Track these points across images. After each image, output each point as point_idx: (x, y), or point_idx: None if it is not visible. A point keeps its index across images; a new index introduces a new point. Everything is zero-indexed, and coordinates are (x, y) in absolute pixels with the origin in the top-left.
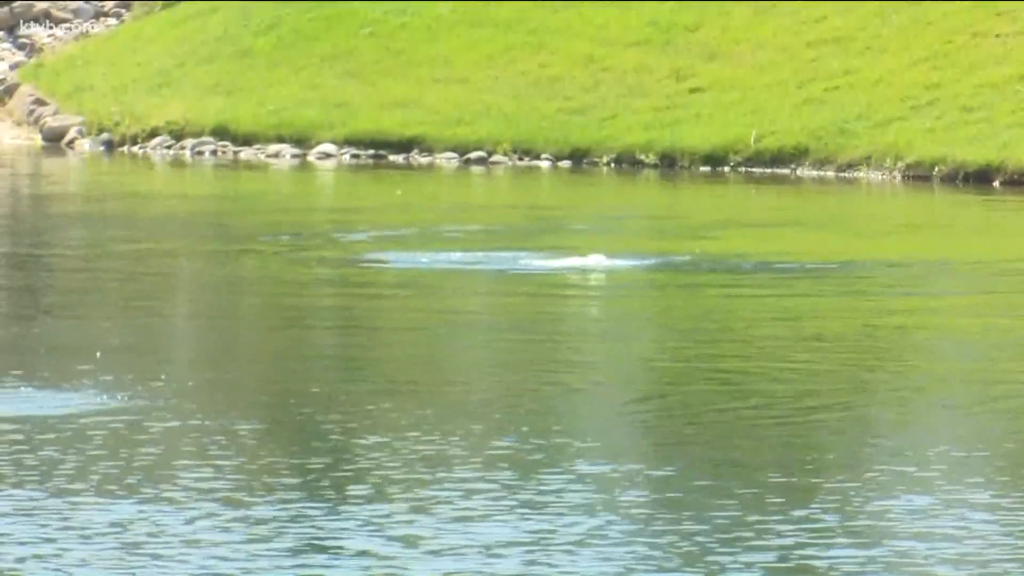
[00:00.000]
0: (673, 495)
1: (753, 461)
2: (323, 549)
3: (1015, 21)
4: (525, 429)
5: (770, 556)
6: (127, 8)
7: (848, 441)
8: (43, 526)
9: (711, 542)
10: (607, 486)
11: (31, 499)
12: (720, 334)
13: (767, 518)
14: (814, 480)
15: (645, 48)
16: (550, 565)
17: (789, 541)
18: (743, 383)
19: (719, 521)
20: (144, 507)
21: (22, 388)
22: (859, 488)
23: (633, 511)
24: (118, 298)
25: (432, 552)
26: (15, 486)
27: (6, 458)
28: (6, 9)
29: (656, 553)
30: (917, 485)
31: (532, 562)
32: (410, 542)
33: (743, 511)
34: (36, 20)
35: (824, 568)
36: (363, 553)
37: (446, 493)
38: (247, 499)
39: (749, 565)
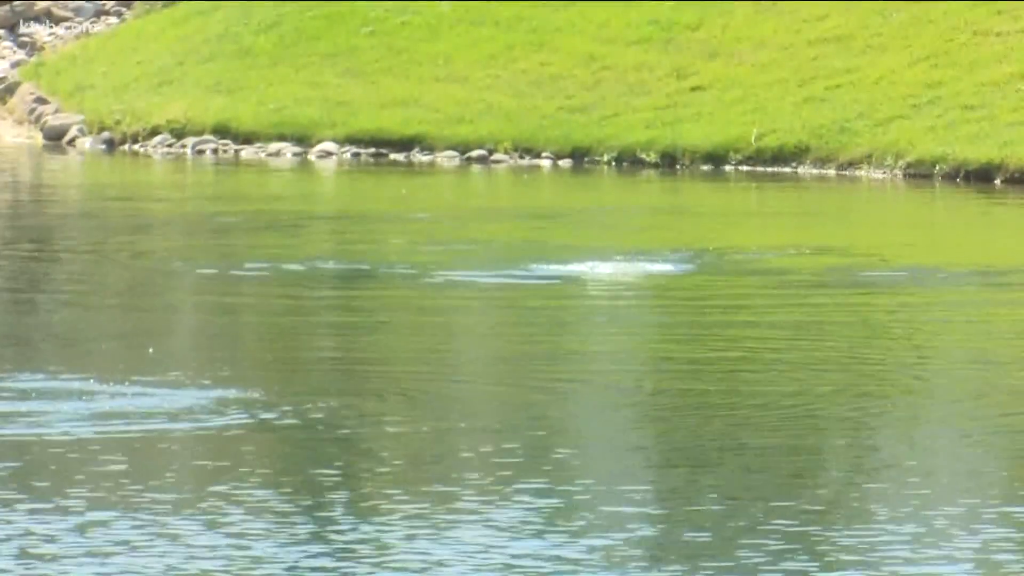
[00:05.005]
0: (697, 506)
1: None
2: (335, 557)
3: (1016, 19)
4: (542, 435)
5: None
6: (128, 7)
7: (868, 453)
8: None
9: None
10: (628, 500)
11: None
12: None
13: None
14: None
15: (646, 46)
16: None
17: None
18: (744, 387)
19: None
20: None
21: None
22: (884, 503)
23: (659, 525)
24: (139, 292)
25: (451, 566)
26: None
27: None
28: (7, 8)
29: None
30: (940, 502)
31: None
32: (427, 557)
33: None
34: (37, 19)
35: None
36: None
37: (459, 502)
38: (279, 508)
39: None
